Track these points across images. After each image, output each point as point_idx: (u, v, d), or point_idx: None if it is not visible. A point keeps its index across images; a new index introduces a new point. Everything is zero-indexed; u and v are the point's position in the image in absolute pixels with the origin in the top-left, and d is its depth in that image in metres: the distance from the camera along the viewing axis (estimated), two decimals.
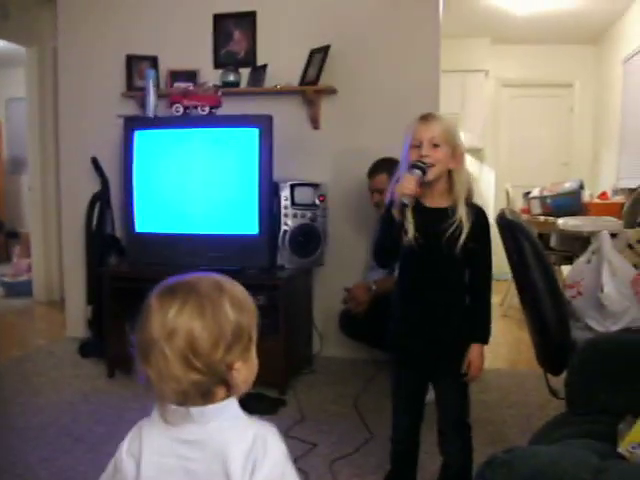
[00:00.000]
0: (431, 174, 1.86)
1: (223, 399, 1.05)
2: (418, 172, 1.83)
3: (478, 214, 1.91)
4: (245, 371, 1.06)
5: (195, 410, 1.03)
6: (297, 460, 2.35)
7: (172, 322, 1.00)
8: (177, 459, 1.04)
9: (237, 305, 1.05)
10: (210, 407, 1.03)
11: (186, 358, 0.99)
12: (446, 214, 1.88)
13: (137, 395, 3.11)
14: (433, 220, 1.89)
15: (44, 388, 3.39)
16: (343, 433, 2.81)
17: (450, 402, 2.00)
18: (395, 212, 1.88)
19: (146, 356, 1.01)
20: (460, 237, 1.85)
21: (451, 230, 1.86)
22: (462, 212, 1.87)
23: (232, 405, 1.06)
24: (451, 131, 1.91)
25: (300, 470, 2.17)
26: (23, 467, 2.47)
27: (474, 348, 1.93)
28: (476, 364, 1.93)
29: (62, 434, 2.79)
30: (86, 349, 3.97)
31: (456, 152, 1.90)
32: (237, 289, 1.08)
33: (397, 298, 2.03)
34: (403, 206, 1.84)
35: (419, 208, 1.92)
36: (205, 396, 1.02)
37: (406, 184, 1.83)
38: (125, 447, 1.09)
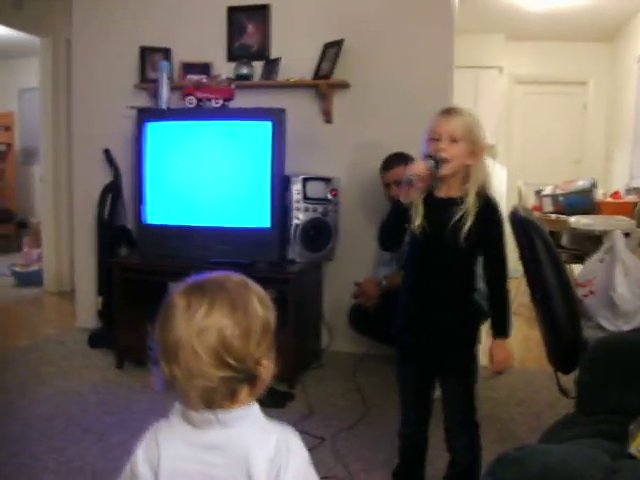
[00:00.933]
0: (446, 169, 1.85)
1: (245, 401, 1.04)
2: (431, 161, 1.83)
3: (487, 205, 1.88)
4: (269, 368, 1.05)
5: (220, 414, 1.02)
6: None
7: (203, 320, 0.99)
8: (198, 464, 1.03)
9: (263, 302, 1.06)
10: (234, 412, 1.03)
11: (218, 355, 0.99)
12: (455, 203, 1.86)
13: (146, 387, 3.12)
14: (442, 209, 1.87)
15: (53, 378, 3.40)
16: (351, 427, 2.81)
17: (455, 400, 1.99)
18: (402, 191, 1.85)
19: (174, 356, 1.00)
20: (464, 226, 1.84)
21: (456, 218, 1.84)
22: (470, 202, 1.85)
23: (254, 409, 1.06)
24: (472, 127, 1.89)
25: None
26: (31, 456, 2.48)
27: (494, 342, 1.93)
28: (497, 358, 1.92)
29: (71, 424, 2.80)
30: (96, 340, 3.98)
31: (475, 148, 1.88)
32: (259, 287, 1.09)
33: (404, 288, 2.02)
34: (409, 182, 1.82)
35: (430, 199, 1.91)
36: (232, 395, 1.02)
37: (417, 165, 1.84)
38: (141, 452, 1.07)
